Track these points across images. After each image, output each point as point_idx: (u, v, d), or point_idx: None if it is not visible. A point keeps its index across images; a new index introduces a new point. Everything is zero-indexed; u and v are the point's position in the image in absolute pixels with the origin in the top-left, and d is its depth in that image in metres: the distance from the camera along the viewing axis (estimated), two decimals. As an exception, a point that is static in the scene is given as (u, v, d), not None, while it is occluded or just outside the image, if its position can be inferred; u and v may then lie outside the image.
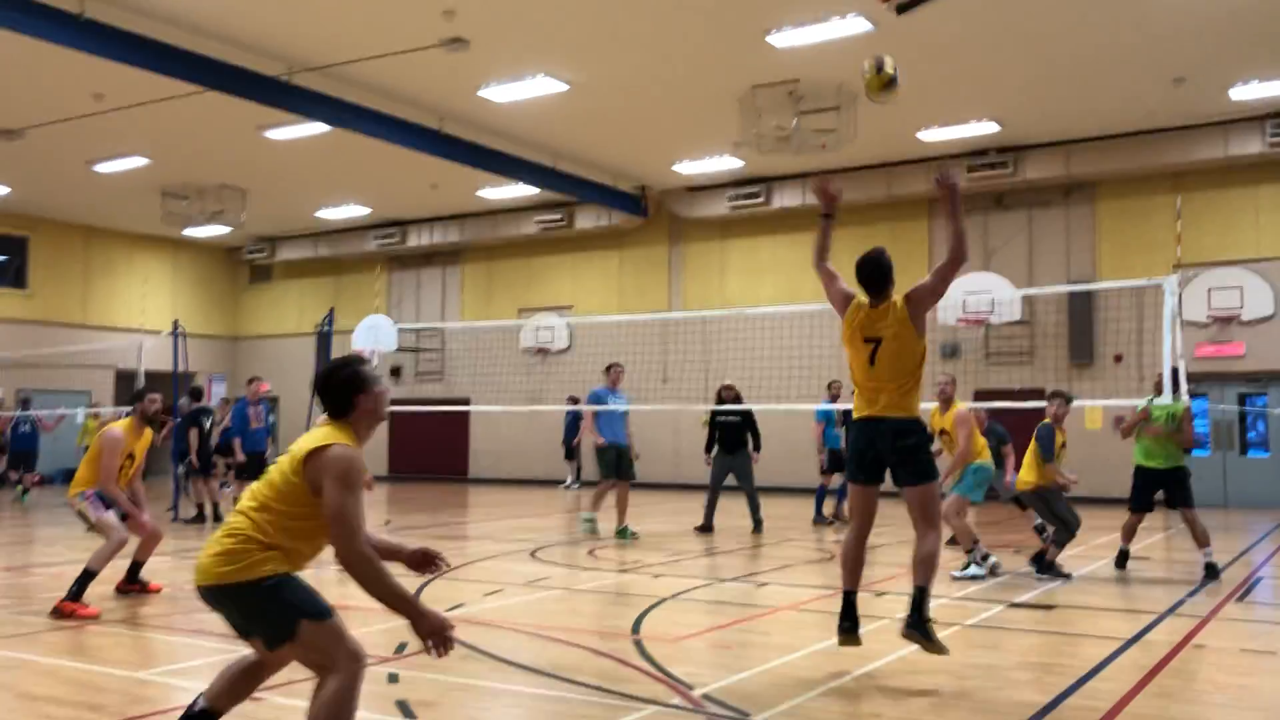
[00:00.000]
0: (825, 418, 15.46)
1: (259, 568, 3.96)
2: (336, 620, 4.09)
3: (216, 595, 3.98)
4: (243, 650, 4.25)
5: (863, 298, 6.09)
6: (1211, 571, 9.94)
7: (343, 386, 4.17)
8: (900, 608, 8.28)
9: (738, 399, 14.55)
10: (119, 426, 9.00)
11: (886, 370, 5.90)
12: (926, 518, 5.98)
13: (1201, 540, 10.20)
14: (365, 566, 4.14)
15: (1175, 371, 11.28)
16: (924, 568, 5.94)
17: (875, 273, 6.04)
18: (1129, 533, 10.59)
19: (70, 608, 7.82)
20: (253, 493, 4.08)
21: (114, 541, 8.43)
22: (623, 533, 13.19)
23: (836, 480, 15.19)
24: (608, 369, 13.85)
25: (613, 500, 13.46)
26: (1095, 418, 20.21)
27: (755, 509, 14.22)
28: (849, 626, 6.01)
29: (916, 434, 5.96)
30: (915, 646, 6.83)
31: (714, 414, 14.57)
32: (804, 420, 18.23)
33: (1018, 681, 5.93)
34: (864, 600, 8.65)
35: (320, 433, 4.10)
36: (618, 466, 13.46)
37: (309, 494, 4.00)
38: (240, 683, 4.27)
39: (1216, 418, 19.72)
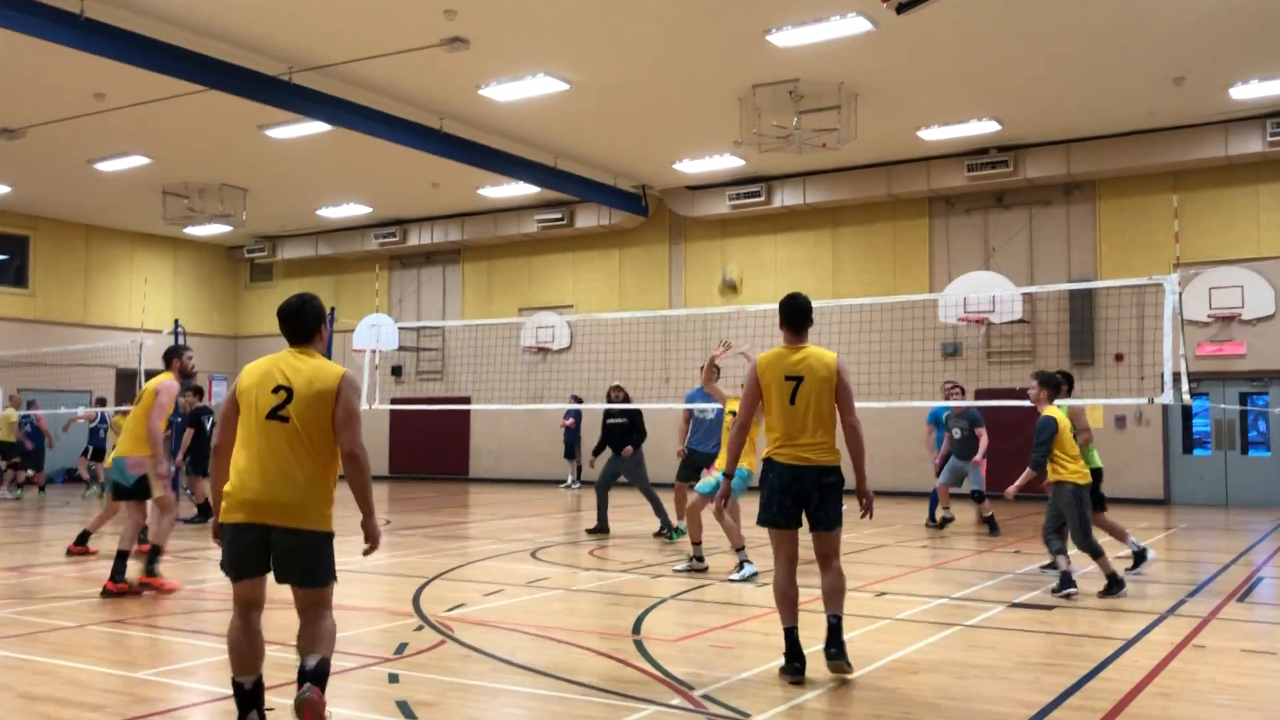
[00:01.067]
0: (935, 419, 14.98)
1: (330, 521, 4.71)
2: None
3: (288, 535, 4.61)
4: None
5: (778, 347, 6.21)
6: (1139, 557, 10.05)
7: (316, 315, 5.09)
8: (901, 607, 8.30)
9: (626, 399, 14.12)
10: (169, 377, 9.35)
11: (809, 409, 6.01)
12: (836, 555, 6.15)
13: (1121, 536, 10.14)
14: (366, 459, 4.75)
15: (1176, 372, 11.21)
16: (841, 597, 6.07)
17: (800, 312, 6.22)
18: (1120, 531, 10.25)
19: (149, 580, 8.74)
20: (305, 441, 4.64)
21: (170, 519, 9.15)
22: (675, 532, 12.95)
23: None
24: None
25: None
26: (1096, 417, 20.21)
27: (657, 510, 13.29)
28: (798, 667, 5.89)
29: (838, 478, 6.09)
30: (917, 645, 6.84)
31: (604, 415, 14.06)
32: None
33: (1018, 682, 5.93)
34: (864, 600, 8.67)
35: (314, 362, 4.85)
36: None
37: (332, 417, 4.70)
38: (260, 642, 4.85)
39: (1217, 417, 19.73)
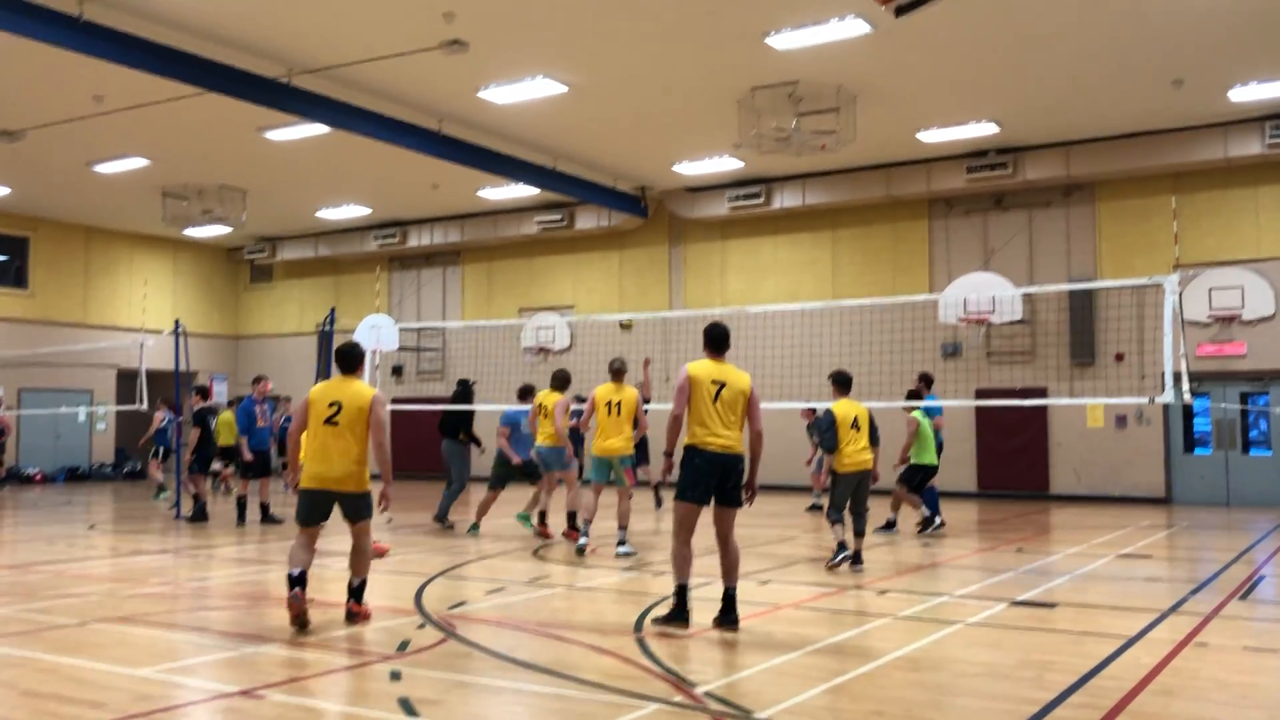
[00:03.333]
0: (927, 415, 14.88)
1: (368, 481, 7.57)
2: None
3: (343, 496, 7.50)
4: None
5: (706, 361, 7.59)
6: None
7: (360, 357, 7.85)
8: (903, 605, 8.31)
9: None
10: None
11: (730, 409, 7.28)
12: (733, 531, 7.39)
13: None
14: (390, 448, 7.71)
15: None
16: (738, 570, 7.35)
17: (721, 338, 7.72)
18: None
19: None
20: (351, 437, 7.42)
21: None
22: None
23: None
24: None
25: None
26: (1097, 416, 20.24)
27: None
28: (684, 616, 7.20)
29: (744, 465, 7.34)
30: (919, 643, 6.84)
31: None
32: (801, 419, 18.23)
33: (1020, 679, 5.93)
34: (865, 599, 8.68)
35: (358, 384, 7.64)
36: None
37: (368, 422, 7.48)
38: (308, 553, 7.48)
39: (1218, 417, 19.74)
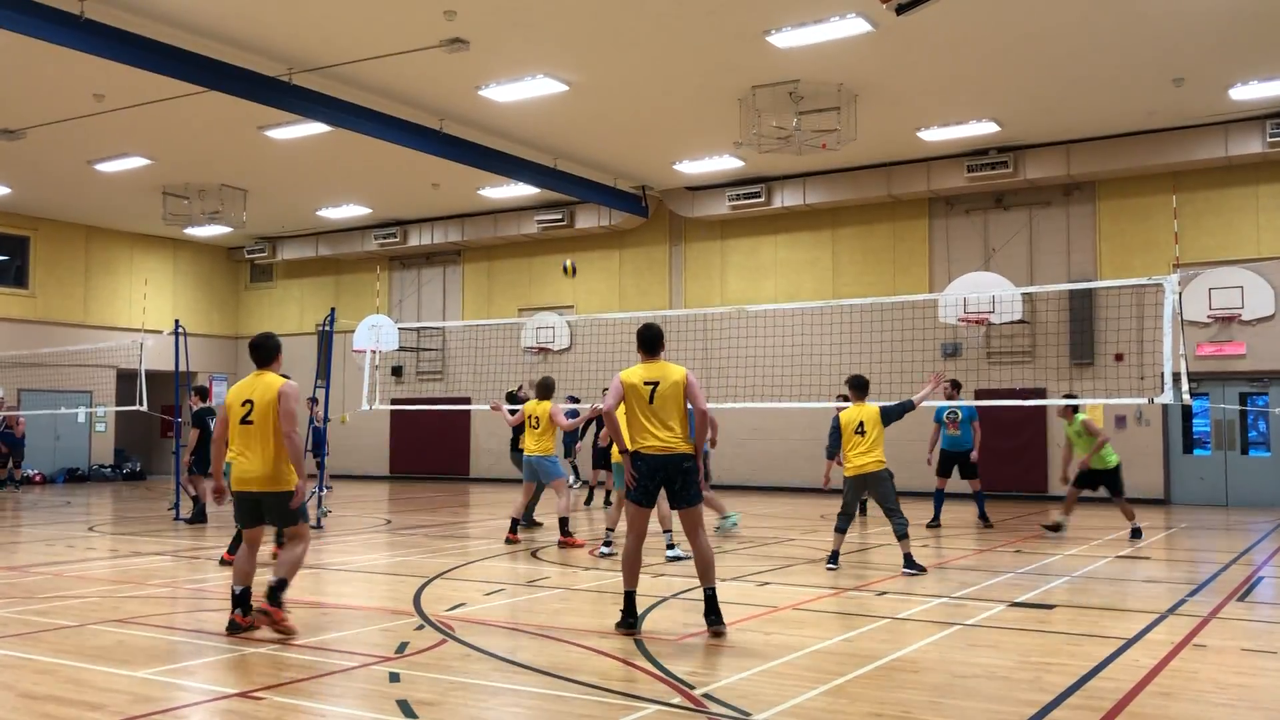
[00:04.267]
0: (938, 419, 15.01)
1: (294, 481, 7.19)
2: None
3: (270, 496, 7.14)
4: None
5: (638, 365, 7.52)
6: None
7: (274, 349, 7.50)
8: (902, 606, 8.31)
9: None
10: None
11: (665, 408, 7.27)
12: (700, 528, 7.36)
13: None
14: (299, 447, 7.17)
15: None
16: (712, 571, 7.26)
17: (652, 339, 7.59)
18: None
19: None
20: (267, 434, 7.07)
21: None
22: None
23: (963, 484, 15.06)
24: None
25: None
26: (1096, 416, 20.22)
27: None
28: (631, 621, 7.19)
29: (693, 464, 7.31)
30: (917, 645, 6.84)
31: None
32: (801, 418, 18.24)
33: (1018, 681, 5.93)
34: (864, 601, 8.68)
35: (269, 377, 7.29)
36: None
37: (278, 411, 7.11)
38: (250, 565, 7.23)
39: (1218, 417, 19.73)
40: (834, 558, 10.49)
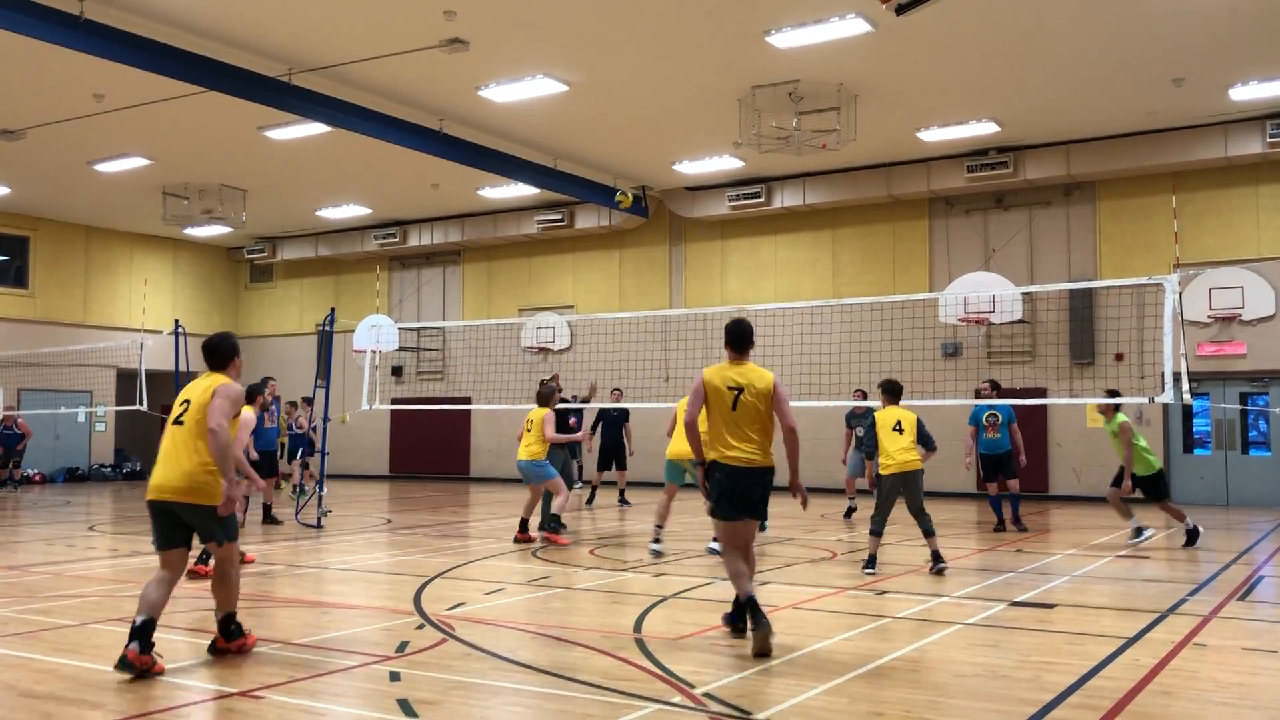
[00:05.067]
0: (975, 421, 14.41)
1: (218, 494, 6.20)
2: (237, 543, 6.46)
3: (187, 509, 6.23)
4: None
5: (723, 364, 7.03)
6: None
7: (227, 350, 6.60)
8: (902, 606, 8.31)
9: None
10: (249, 410, 10.82)
11: (748, 416, 6.79)
12: (750, 544, 7.08)
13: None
14: (226, 450, 6.15)
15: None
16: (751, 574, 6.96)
17: (741, 335, 7.07)
18: None
19: (204, 570, 9.26)
20: (197, 437, 6.20)
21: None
22: None
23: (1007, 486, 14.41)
24: None
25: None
26: (1096, 417, 20.21)
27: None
28: (741, 626, 6.85)
29: (772, 479, 6.93)
30: (917, 644, 6.84)
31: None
32: (801, 418, 18.22)
33: (1019, 680, 5.93)
34: (864, 600, 8.68)
35: (212, 378, 6.44)
36: None
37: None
38: (167, 590, 6.30)
39: (1218, 417, 19.73)
40: (871, 562, 10.14)
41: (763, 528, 13.81)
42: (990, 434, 14.18)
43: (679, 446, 11.38)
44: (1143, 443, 12.60)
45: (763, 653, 6.36)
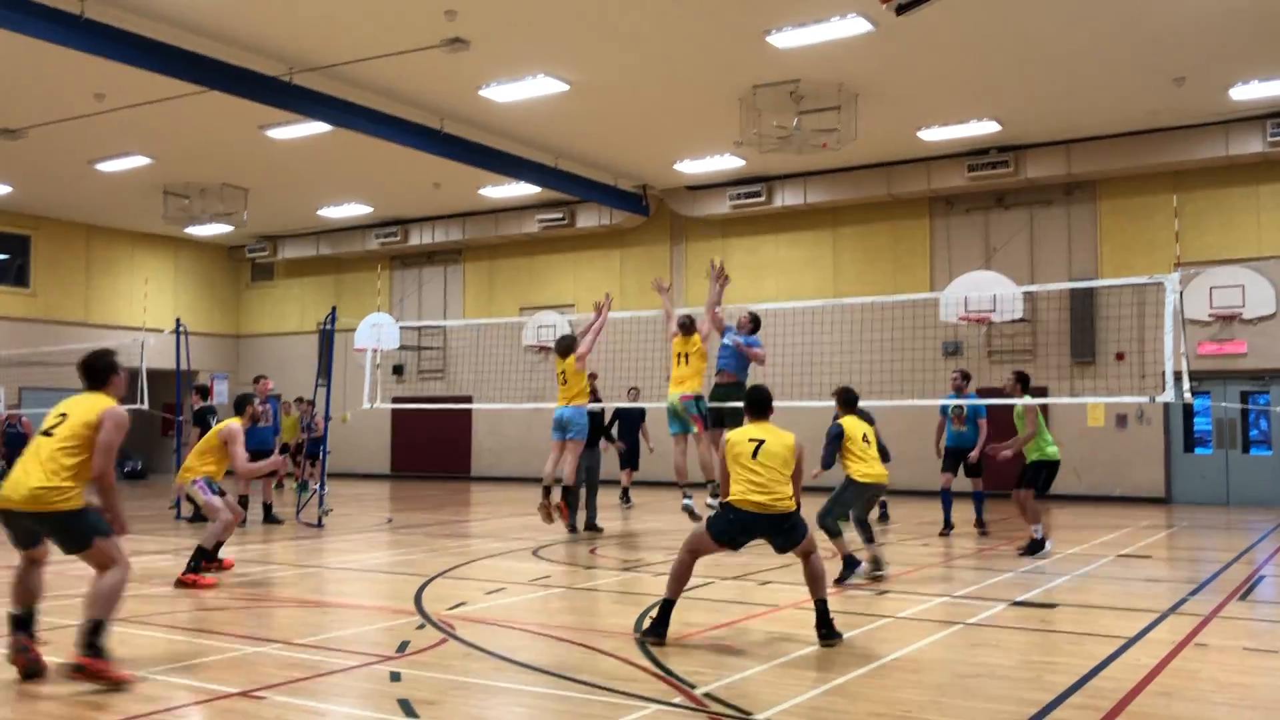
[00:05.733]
0: (944, 413, 13.98)
1: (78, 500, 5.91)
2: (114, 537, 6.02)
3: (37, 518, 5.87)
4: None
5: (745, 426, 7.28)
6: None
7: (104, 370, 6.21)
8: (903, 605, 8.31)
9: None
10: (237, 422, 10.34)
11: (769, 464, 6.90)
12: (814, 548, 6.97)
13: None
14: (112, 482, 6.03)
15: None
16: (821, 582, 6.89)
17: (759, 403, 7.34)
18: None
19: (191, 578, 9.21)
20: (62, 450, 5.87)
21: (222, 522, 9.71)
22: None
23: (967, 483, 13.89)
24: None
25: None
26: (1097, 416, 20.22)
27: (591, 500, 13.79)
28: (662, 631, 6.82)
29: (796, 521, 6.93)
30: (918, 644, 6.85)
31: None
32: (802, 418, 18.20)
33: (1020, 680, 5.94)
34: (865, 600, 8.67)
35: (96, 398, 6.10)
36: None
37: (93, 440, 5.90)
38: (33, 583, 6.10)
39: (1219, 416, 19.73)
40: (877, 564, 9.80)
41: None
42: (956, 426, 13.79)
43: (670, 391, 11.60)
44: (1048, 436, 11.76)
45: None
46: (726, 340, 12.54)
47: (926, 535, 13.53)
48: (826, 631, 6.71)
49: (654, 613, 6.96)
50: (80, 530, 5.88)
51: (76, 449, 5.87)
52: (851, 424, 10.01)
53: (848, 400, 10.24)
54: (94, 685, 5.65)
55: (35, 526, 5.90)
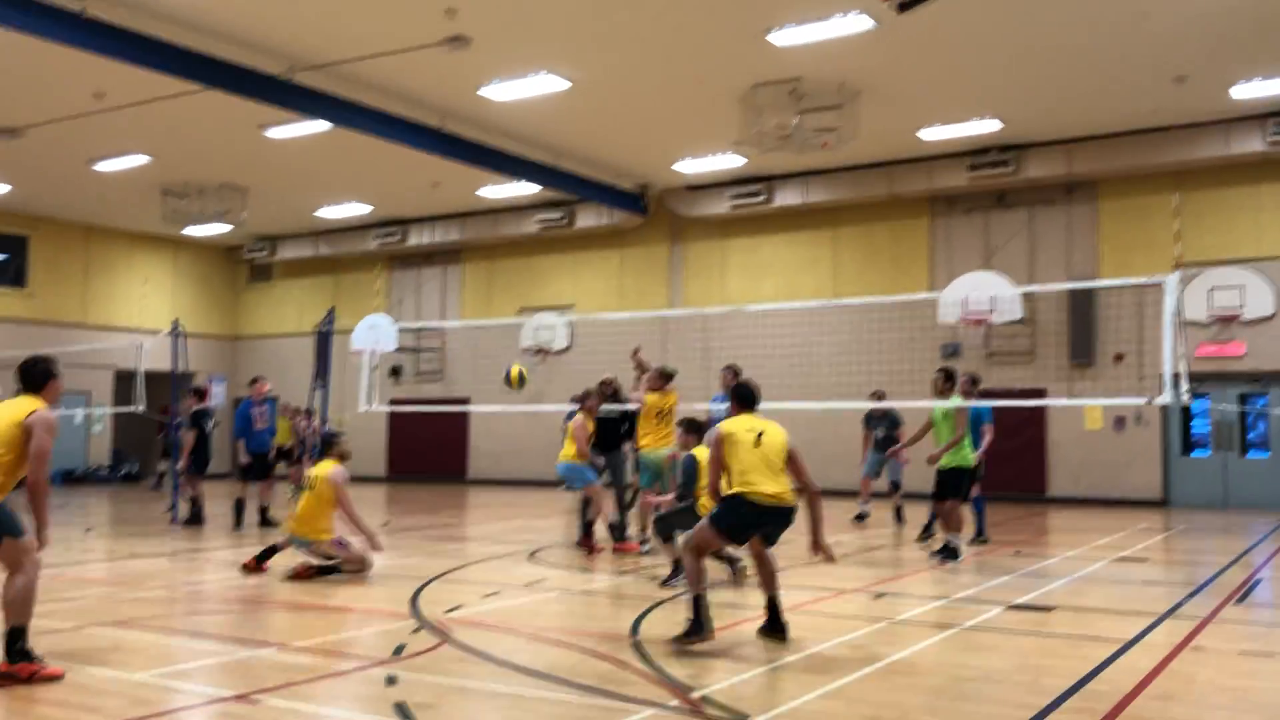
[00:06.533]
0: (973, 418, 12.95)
1: None
2: (29, 537, 6.03)
3: None
4: None
5: (738, 417, 7.10)
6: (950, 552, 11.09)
7: (40, 375, 6.19)
8: (900, 609, 8.29)
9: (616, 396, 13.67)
10: (336, 465, 10.19)
11: (773, 455, 6.80)
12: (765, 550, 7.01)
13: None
14: (46, 489, 6.14)
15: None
16: (776, 579, 7.01)
17: (747, 396, 7.21)
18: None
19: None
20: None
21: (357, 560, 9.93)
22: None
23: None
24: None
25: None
26: (1095, 418, 20.20)
27: (623, 509, 13.02)
28: (703, 626, 6.67)
29: (794, 516, 6.85)
30: (915, 647, 6.83)
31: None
32: (801, 418, 18.18)
33: (1017, 683, 5.92)
34: (862, 603, 8.65)
35: (27, 401, 6.08)
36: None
37: (23, 441, 5.92)
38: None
39: (1217, 418, 19.71)
40: (732, 563, 9.67)
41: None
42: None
43: (658, 446, 11.36)
44: (968, 441, 11.42)
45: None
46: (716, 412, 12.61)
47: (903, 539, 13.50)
48: (775, 628, 6.85)
49: (689, 614, 6.72)
50: None
51: (3, 450, 5.88)
52: (733, 425, 9.84)
53: (743, 399, 9.87)
54: (27, 687, 5.66)
55: None
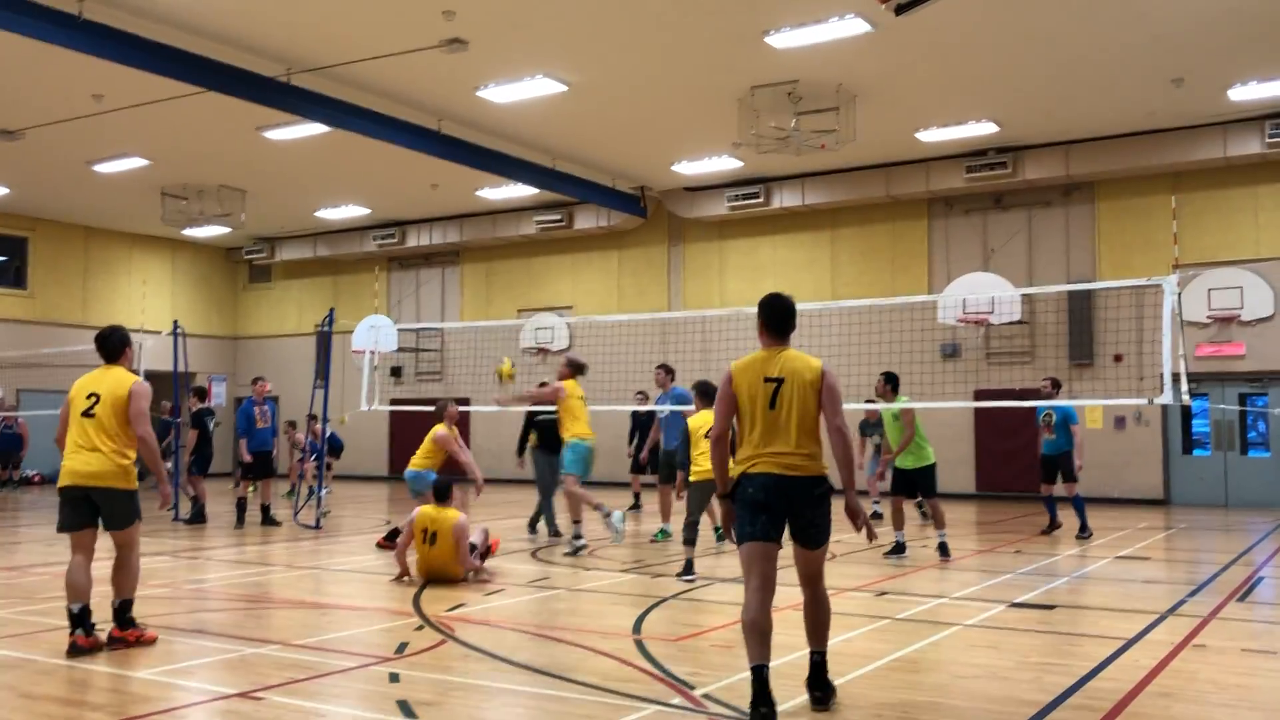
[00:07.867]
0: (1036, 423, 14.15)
1: (134, 480, 6.81)
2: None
3: (100, 494, 6.68)
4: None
5: (755, 354, 5.57)
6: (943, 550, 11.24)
7: (119, 343, 7.24)
8: (902, 607, 8.30)
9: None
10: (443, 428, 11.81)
11: (789, 414, 5.32)
12: (821, 577, 5.51)
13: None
14: (155, 441, 6.94)
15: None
16: (825, 631, 5.46)
17: (780, 313, 5.57)
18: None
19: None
20: (109, 430, 6.73)
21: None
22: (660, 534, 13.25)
23: (1061, 488, 14.06)
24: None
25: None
26: (1095, 418, 20.22)
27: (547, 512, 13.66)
28: (765, 712, 4.94)
29: (825, 491, 5.36)
30: (917, 645, 6.84)
31: (531, 414, 14.09)
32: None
33: (1019, 681, 5.93)
34: (863, 601, 8.66)
35: (118, 373, 7.00)
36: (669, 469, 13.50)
37: (127, 407, 6.77)
38: (89, 572, 6.74)
39: (1217, 418, 19.73)
40: (689, 568, 9.74)
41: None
42: (1046, 434, 14.03)
43: (705, 465, 9.91)
44: (922, 431, 11.41)
45: None
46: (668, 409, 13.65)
47: (925, 537, 13.52)
48: (821, 695, 5.39)
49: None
50: (126, 510, 6.77)
51: (119, 426, 6.75)
52: (697, 419, 10.08)
53: (703, 393, 10.05)
54: (31, 685, 5.76)
55: (96, 500, 6.68)
